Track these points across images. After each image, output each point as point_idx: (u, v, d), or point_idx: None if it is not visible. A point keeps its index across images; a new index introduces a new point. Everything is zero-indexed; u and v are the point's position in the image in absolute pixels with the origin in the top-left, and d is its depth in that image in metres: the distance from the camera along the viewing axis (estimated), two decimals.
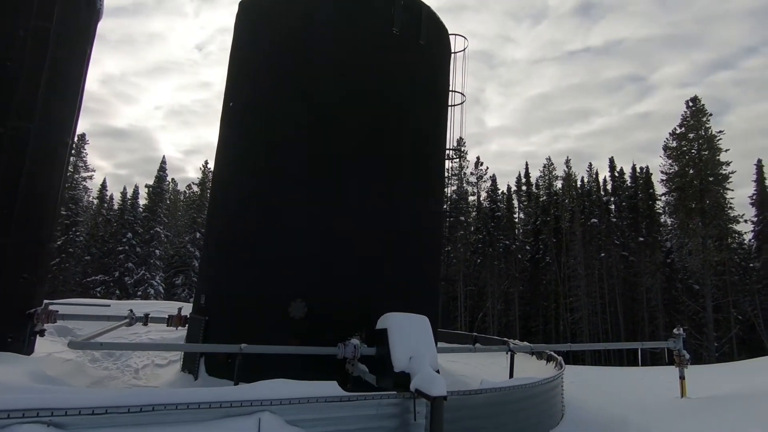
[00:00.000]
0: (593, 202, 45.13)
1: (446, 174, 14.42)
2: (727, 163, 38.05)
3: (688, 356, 10.20)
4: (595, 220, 42.86)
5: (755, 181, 43.12)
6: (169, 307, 12.90)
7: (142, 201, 46.57)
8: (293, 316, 8.17)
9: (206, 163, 55.05)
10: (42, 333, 9.51)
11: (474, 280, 46.13)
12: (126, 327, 9.50)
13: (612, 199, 46.31)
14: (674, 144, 40.45)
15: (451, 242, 43.43)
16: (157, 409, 4.00)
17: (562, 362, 9.38)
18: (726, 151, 38.17)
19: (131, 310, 9.29)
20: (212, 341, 8.55)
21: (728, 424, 7.70)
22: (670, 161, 40.57)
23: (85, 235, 45.60)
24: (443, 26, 11.51)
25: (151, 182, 46.99)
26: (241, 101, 10.15)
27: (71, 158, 48.23)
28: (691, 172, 38.98)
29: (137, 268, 41.33)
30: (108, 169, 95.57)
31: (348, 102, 9.23)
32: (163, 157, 68.50)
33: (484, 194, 49.28)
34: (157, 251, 43.31)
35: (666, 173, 40.82)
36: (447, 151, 12.56)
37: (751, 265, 40.37)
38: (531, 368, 10.30)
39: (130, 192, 46.77)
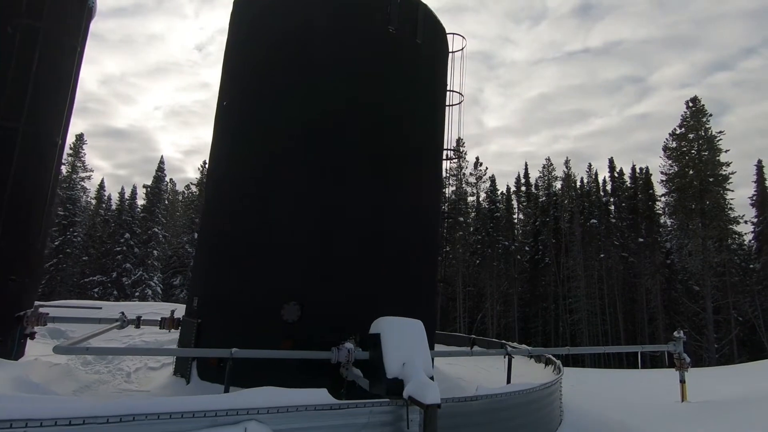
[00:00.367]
0: (593, 202, 44.97)
1: (445, 174, 14.29)
2: (727, 164, 37.92)
3: (688, 360, 10.06)
4: (595, 221, 42.70)
5: (755, 182, 42.95)
6: (163, 309, 12.75)
7: (141, 201, 46.44)
8: (287, 319, 8.03)
9: (205, 163, 54.90)
10: (32, 336, 9.38)
11: (473, 281, 45.98)
12: (117, 330, 9.34)
13: (612, 199, 46.16)
14: (674, 144, 40.31)
15: (450, 243, 43.27)
16: (138, 419, 3.85)
17: (561, 366, 9.23)
18: (726, 151, 38.07)
19: (122, 313, 9.13)
20: (205, 344, 8.40)
21: (729, 429, 7.56)
22: (669, 162, 40.44)
23: (83, 235, 45.42)
24: (441, 25, 11.37)
25: (149, 182, 46.83)
26: (235, 100, 10.00)
27: (70, 158, 48.10)
28: (691, 172, 38.83)
29: (135, 268, 41.16)
30: (107, 169, 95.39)
31: (343, 101, 9.09)
32: (161, 157, 68.45)
33: (483, 195, 49.14)
34: (155, 252, 43.12)
35: (666, 174, 40.69)
36: (445, 152, 12.43)
37: (752, 266, 40.20)
38: (529, 372, 10.15)
39: (128, 192, 46.67)
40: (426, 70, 10.66)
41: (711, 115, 39.22)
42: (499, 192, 48.68)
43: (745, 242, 42.56)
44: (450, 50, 12.54)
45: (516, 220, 50.61)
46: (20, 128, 8.10)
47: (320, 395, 4.79)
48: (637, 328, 40.48)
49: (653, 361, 30.18)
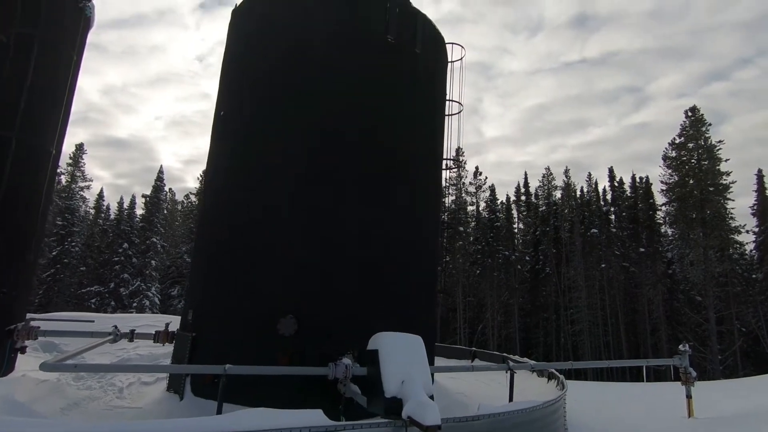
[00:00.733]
0: (593, 212, 44.82)
1: (445, 184, 14.16)
2: (728, 173, 37.87)
3: (694, 374, 9.81)
4: (595, 231, 42.51)
5: (756, 191, 42.87)
6: (158, 322, 12.51)
7: (140, 211, 46.27)
8: (283, 333, 7.81)
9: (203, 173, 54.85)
10: (23, 350, 9.16)
11: (473, 291, 45.65)
12: (110, 344, 9.12)
13: (612, 209, 46.02)
14: (674, 154, 40.30)
15: (450, 253, 43.03)
16: None
17: (564, 381, 8.99)
18: (726, 160, 38.06)
19: (115, 326, 8.92)
20: (199, 359, 8.18)
21: None
22: (669, 171, 40.41)
23: (81, 245, 45.17)
24: (440, 35, 11.31)
25: (149, 192, 46.70)
26: (233, 110, 9.89)
27: (69, 168, 48.03)
28: (691, 182, 38.77)
29: (133, 279, 40.85)
30: (107, 179, 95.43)
31: (341, 110, 8.97)
32: (161, 166, 68.28)
33: (483, 204, 49.04)
34: (153, 262, 42.84)
35: (666, 183, 40.64)
36: (445, 161, 12.30)
37: (754, 275, 39.91)
38: (532, 387, 9.91)
39: (127, 202, 46.54)
40: (425, 80, 10.57)
41: (710, 125, 39.32)
42: (498, 201, 48.61)
43: (747, 252, 42.35)
44: (449, 60, 12.48)
45: (516, 230, 50.42)
46: (14, 137, 7.98)
47: (315, 417, 4.58)
48: (639, 339, 40.07)
49: (657, 374, 29.81)
